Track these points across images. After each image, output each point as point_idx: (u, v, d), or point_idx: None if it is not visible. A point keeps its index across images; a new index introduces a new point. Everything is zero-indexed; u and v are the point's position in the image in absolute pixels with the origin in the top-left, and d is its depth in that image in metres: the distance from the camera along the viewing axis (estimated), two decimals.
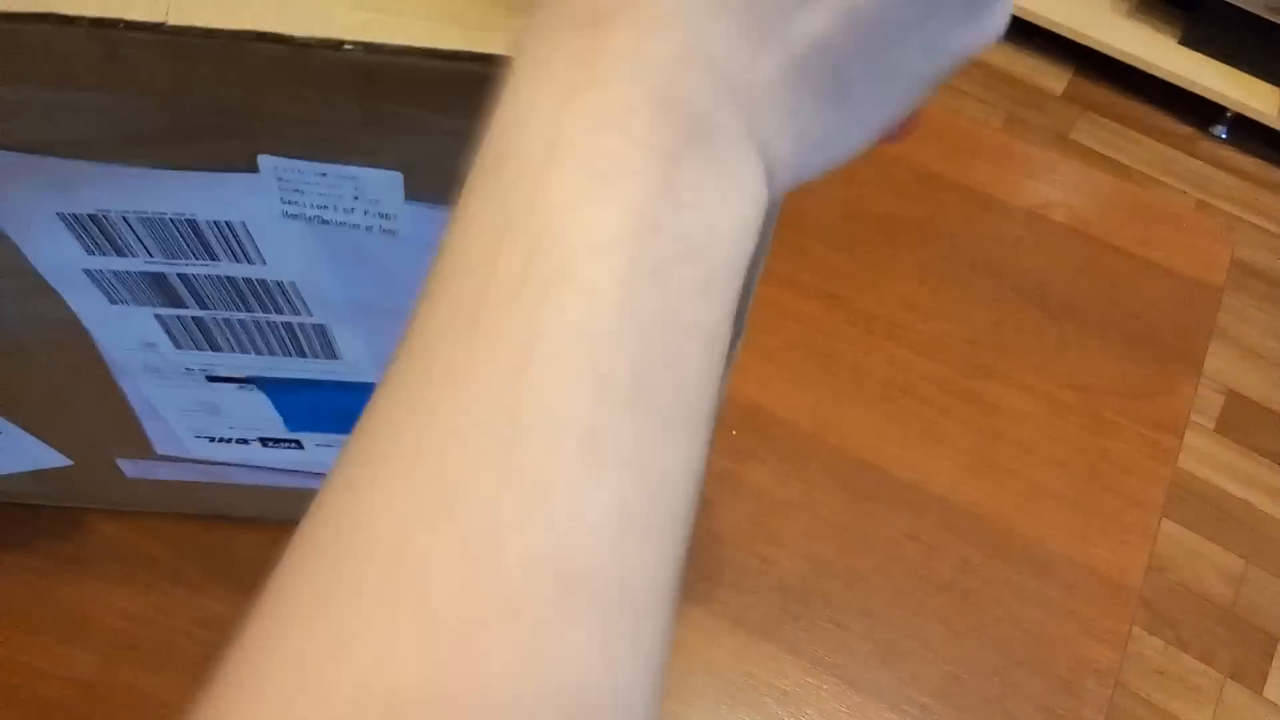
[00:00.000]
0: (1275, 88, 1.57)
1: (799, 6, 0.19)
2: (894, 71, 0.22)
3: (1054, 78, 1.68)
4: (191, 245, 0.28)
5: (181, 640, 0.43)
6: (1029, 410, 0.52)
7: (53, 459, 0.39)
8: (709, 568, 0.46)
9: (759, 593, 0.45)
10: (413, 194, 0.26)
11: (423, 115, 0.24)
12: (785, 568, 0.46)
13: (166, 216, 0.27)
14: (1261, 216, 1.57)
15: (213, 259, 0.28)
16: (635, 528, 0.17)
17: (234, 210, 0.27)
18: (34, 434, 0.37)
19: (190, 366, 0.33)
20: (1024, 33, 1.67)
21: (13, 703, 0.41)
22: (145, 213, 0.27)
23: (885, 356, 0.53)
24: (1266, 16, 1.51)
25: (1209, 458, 1.32)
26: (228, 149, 0.25)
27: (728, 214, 0.19)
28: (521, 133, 0.19)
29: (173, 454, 0.38)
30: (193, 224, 0.27)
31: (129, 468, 0.40)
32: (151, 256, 0.28)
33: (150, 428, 0.37)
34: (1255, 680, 1.17)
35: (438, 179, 0.26)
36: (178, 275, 0.29)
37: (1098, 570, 0.47)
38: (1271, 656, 1.18)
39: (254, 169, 0.25)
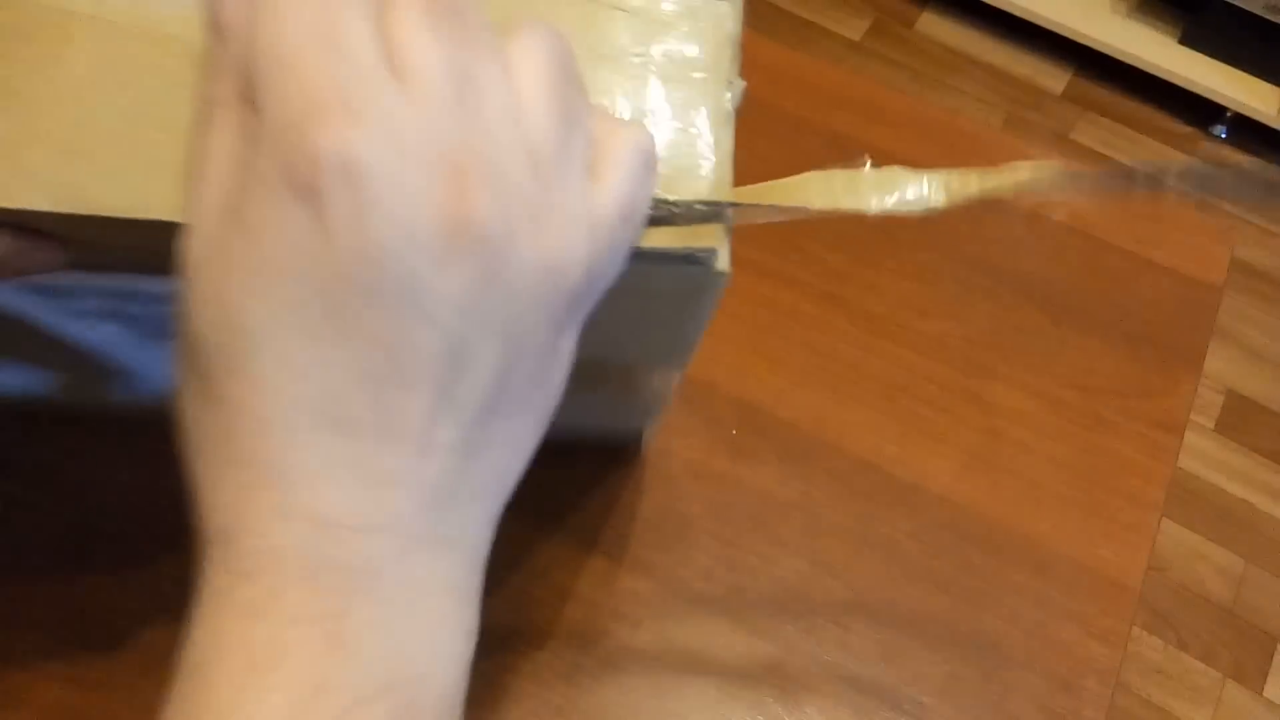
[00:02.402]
0: (1275, 87, 1.57)
1: (451, 384, 0.21)
2: (545, 372, 0.23)
3: (1054, 78, 1.68)
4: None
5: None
6: (1029, 410, 0.51)
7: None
8: (709, 567, 0.46)
9: (759, 592, 0.45)
10: None
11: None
12: (785, 567, 0.46)
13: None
14: (1261, 216, 1.57)
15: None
16: None
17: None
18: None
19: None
20: (1024, 33, 1.67)
21: (12, 703, 0.41)
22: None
23: (885, 356, 0.53)
24: (1267, 16, 1.50)
25: (1209, 458, 1.32)
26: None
27: (417, 635, 0.21)
28: (193, 638, 0.21)
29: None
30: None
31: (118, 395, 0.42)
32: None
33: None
34: (1255, 680, 1.17)
35: None
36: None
37: (1098, 570, 0.47)
38: (1271, 656, 1.18)
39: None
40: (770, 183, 0.27)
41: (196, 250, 0.20)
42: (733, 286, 0.56)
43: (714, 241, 0.26)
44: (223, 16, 0.20)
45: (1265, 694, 1.15)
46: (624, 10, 0.27)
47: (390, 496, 0.21)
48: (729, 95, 0.27)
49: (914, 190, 0.27)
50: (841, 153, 0.62)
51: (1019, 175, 0.28)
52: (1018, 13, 1.63)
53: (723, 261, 0.28)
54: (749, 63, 0.55)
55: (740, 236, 0.56)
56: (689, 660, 0.44)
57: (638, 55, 0.26)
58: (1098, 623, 0.46)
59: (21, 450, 0.45)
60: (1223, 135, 1.63)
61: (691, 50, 0.27)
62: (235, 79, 0.20)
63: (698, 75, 0.27)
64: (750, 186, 0.27)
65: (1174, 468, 0.50)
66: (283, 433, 0.20)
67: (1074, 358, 0.54)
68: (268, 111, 0.19)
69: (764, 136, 0.61)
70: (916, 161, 0.62)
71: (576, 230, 0.21)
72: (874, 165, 0.28)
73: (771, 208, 0.27)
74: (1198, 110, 1.62)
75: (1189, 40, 1.60)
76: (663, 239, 0.25)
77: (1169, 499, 0.49)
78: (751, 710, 0.43)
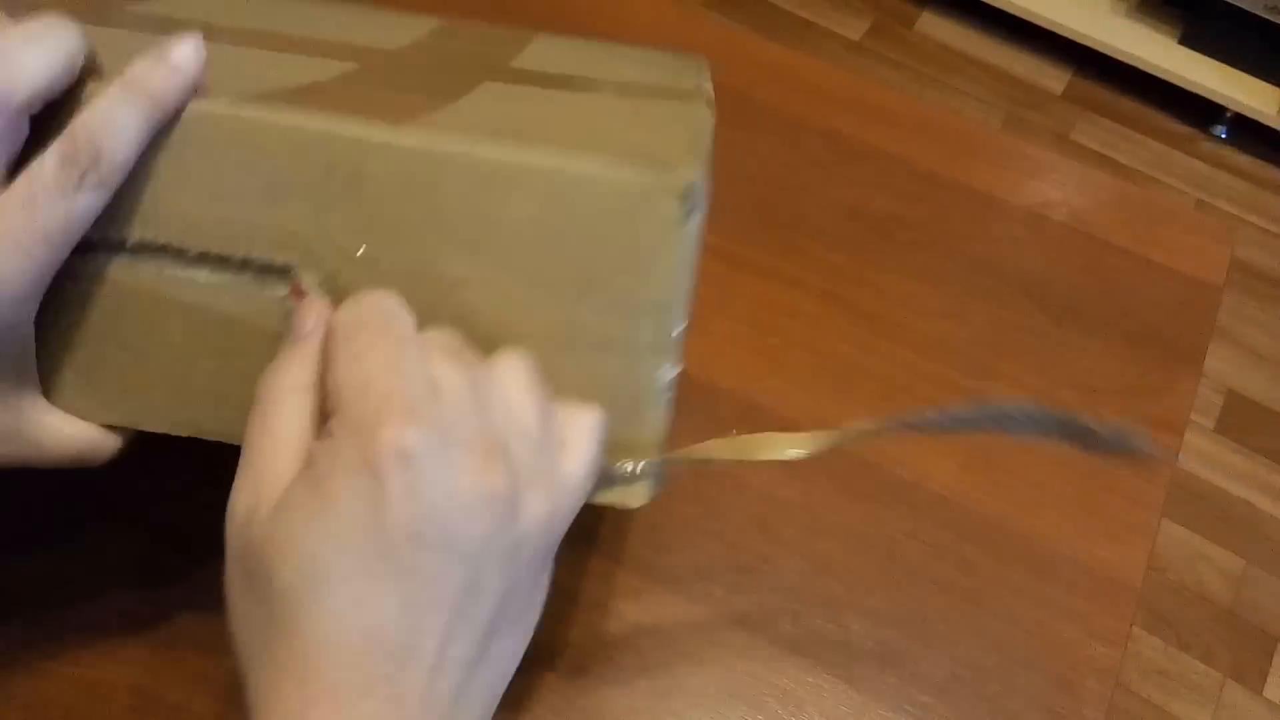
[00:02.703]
0: (1275, 87, 1.57)
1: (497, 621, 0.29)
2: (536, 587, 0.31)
3: (1054, 78, 1.68)
4: None
5: (182, 640, 0.43)
6: None
7: None
8: (709, 568, 0.46)
9: (759, 593, 0.45)
10: None
11: None
12: (785, 568, 0.46)
13: None
14: (1261, 216, 1.57)
15: None
16: None
17: None
18: None
19: None
20: (1024, 33, 1.67)
21: (13, 703, 0.41)
22: None
23: (885, 356, 0.53)
24: (1267, 16, 1.51)
25: (1209, 458, 1.32)
26: None
27: None
28: None
29: None
30: None
31: None
32: None
33: None
34: (1255, 680, 1.17)
35: None
36: None
37: (1098, 570, 0.47)
38: (1271, 656, 1.18)
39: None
40: (689, 449, 0.35)
41: (271, 508, 0.27)
42: (733, 286, 0.56)
43: (639, 500, 0.35)
44: (301, 329, 0.29)
45: (1265, 694, 1.15)
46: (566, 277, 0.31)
47: (410, 708, 0.26)
48: (667, 375, 0.33)
49: (785, 449, 0.36)
50: (842, 153, 0.63)
51: (855, 432, 0.36)
52: (1018, 13, 1.63)
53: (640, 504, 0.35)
54: (749, 62, 0.55)
55: (740, 237, 0.57)
56: (689, 660, 0.44)
57: (583, 330, 0.32)
58: (1098, 622, 0.46)
59: None
60: (1223, 135, 1.63)
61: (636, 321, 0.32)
62: (307, 376, 0.28)
63: (635, 347, 0.32)
64: (674, 453, 0.35)
65: (1174, 468, 0.50)
66: (337, 655, 0.25)
67: (1074, 358, 0.54)
68: (346, 413, 0.26)
69: (764, 136, 0.61)
70: (916, 162, 0.62)
71: (560, 489, 0.29)
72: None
73: (690, 463, 0.35)
74: (1198, 110, 1.62)
75: (1189, 40, 1.60)
76: (602, 495, 0.34)
77: (1169, 499, 0.49)
78: (751, 710, 0.43)
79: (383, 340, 0.27)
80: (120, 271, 0.30)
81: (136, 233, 0.30)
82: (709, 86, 0.40)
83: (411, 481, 0.25)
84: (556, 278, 0.31)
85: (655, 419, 0.34)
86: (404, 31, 0.43)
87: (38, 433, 0.31)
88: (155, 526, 0.44)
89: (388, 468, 0.25)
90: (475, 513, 0.26)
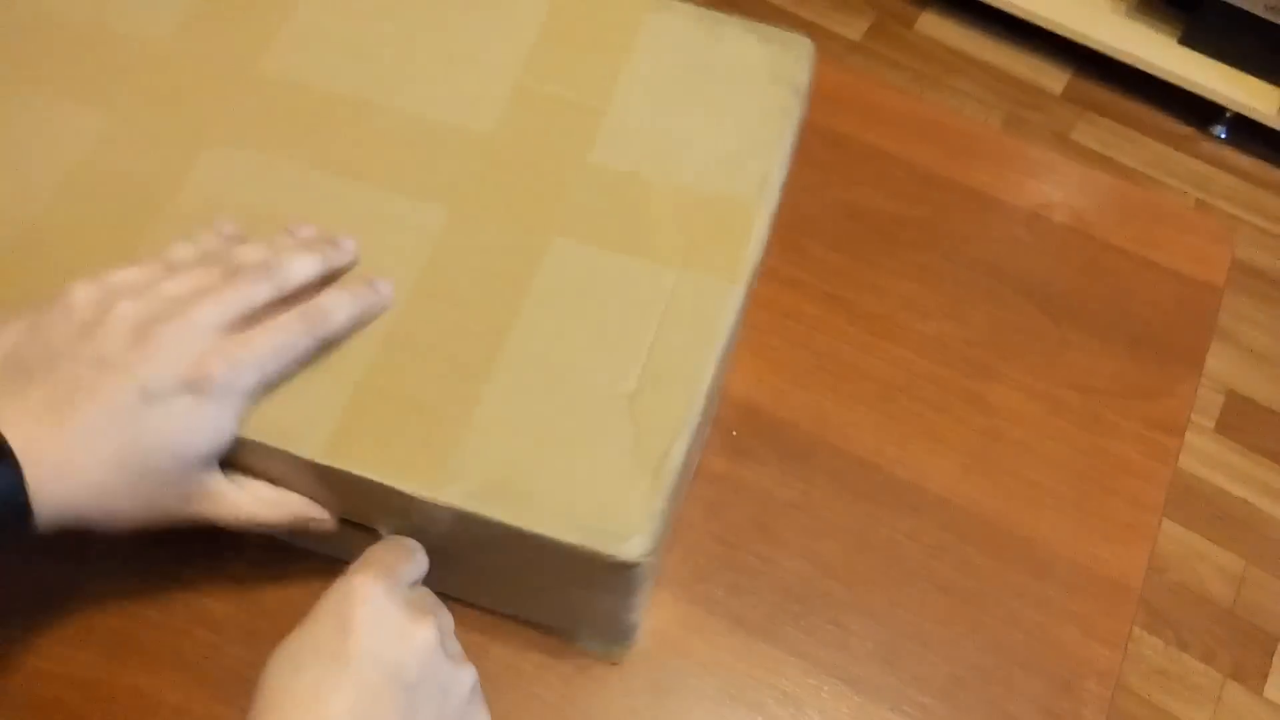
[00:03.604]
0: (1275, 87, 1.57)
1: None
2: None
3: (1054, 78, 1.68)
4: None
5: (181, 640, 0.43)
6: (1029, 410, 0.52)
7: None
8: (709, 568, 0.46)
9: (759, 593, 0.45)
10: None
11: None
12: (785, 568, 0.46)
13: None
14: (1261, 216, 1.57)
15: None
16: None
17: None
18: None
19: None
20: (1024, 33, 1.67)
21: (13, 703, 0.41)
22: None
23: (885, 356, 0.53)
24: (1266, 16, 1.50)
25: (1209, 458, 1.31)
26: None
27: None
28: None
29: None
30: None
31: None
32: None
33: None
34: (1255, 680, 1.16)
35: None
36: None
37: (1098, 570, 0.47)
38: (1271, 656, 1.18)
39: None
40: None
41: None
42: None
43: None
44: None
45: (1265, 694, 1.15)
46: None
47: None
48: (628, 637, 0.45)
49: None
50: (842, 153, 0.63)
51: None
52: (1018, 13, 1.63)
53: None
54: None
55: None
56: (689, 660, 0.44)
57: None
58: (1098, 624, 0.46)
59: None
60: (1222, 135, 1.63)
61: None
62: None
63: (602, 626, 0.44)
64: None
65: (1174, 468, 0.50)
66: None
67: (1074, 358, 0.54)
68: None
69: None
70: (916, 162, 0.62)
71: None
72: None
73: None
74: (1198, 110, 1.61)
75: (1189, 40, 1.60)
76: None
77: (1169, 499, 0.49)
78: (751, 711, 0.43)
79: (385, 558, 0.38)
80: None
81: None
82: (805, 77, 0.50)
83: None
84: (534, 588, 0.42)
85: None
86: (495, 71, 0.46)
87: (217, 497, 0.38)
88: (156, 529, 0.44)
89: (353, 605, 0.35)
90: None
